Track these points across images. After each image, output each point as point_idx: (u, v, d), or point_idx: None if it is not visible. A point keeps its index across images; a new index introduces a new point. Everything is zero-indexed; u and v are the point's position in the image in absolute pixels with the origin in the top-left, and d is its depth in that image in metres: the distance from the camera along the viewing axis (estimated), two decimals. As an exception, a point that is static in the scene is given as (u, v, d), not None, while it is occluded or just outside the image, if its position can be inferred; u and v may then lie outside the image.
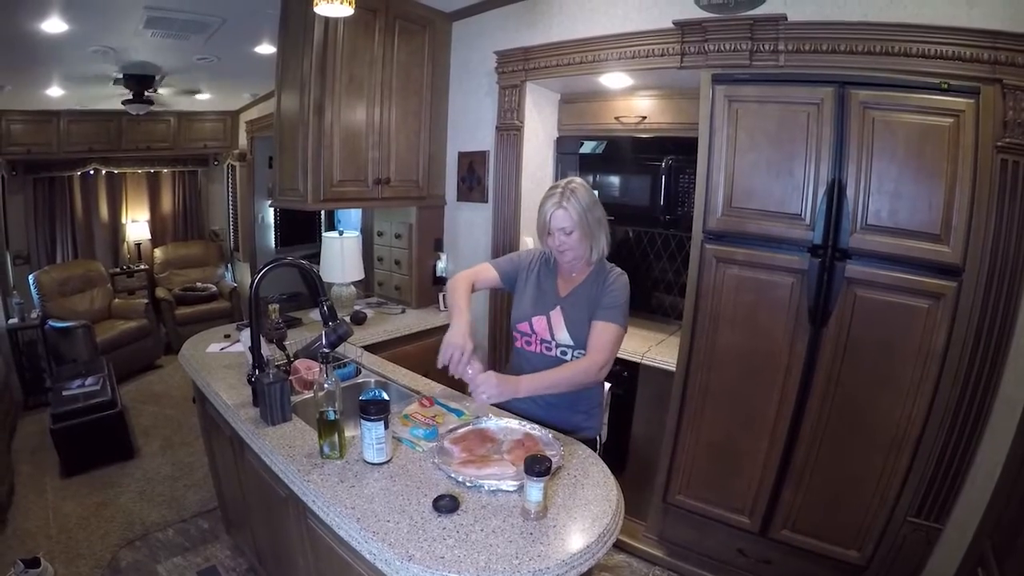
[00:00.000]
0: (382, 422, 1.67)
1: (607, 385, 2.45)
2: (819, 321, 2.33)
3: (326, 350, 1.91)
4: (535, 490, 1.45)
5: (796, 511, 2.52)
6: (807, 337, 2.37)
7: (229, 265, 7.67)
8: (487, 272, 2.23)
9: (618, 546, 2.98)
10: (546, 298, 2.11)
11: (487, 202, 3.59)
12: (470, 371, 1.89)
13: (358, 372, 2.56)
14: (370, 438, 1.69)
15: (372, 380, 2.52)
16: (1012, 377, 2.08)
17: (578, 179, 2.05)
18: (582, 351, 2.02)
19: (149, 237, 7.44)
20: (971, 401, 2.13)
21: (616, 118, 3.21)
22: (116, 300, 6.26)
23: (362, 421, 1.68)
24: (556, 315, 2.06)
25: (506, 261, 2.27)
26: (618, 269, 2.09)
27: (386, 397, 1.71)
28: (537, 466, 1.43)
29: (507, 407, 2.07)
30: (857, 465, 2.36)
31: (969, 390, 2.12)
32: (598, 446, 2.14)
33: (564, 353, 2.06)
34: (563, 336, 2.05)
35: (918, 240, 2.13)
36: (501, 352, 3.48)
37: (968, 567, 2.12)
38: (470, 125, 3.68)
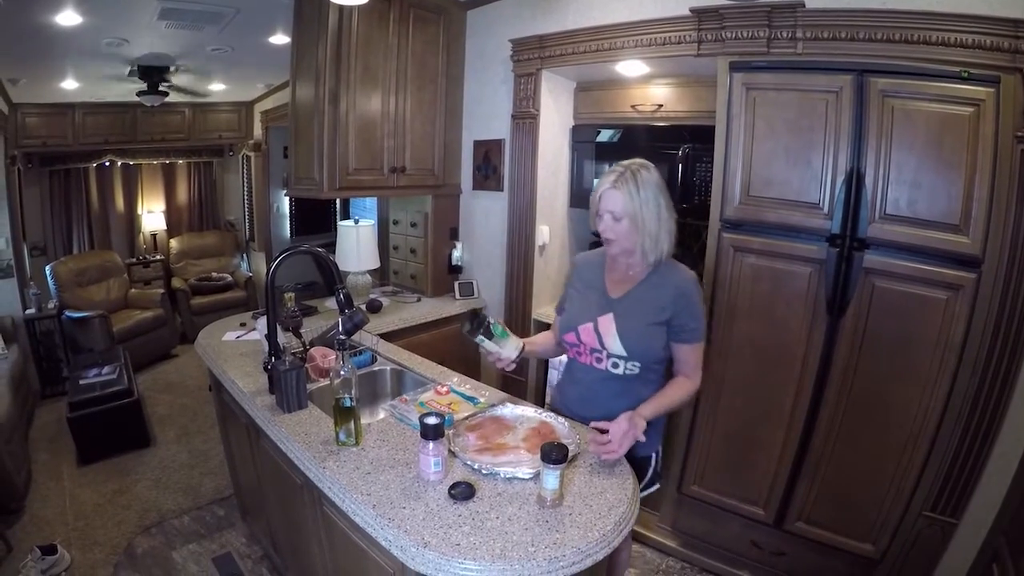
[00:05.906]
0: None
1: None
2: (837, 311, 2.31)
3: (342, 338, 1.91)
4: (551, 478, 1.45)
5: (811, 503, 2.51)
6: (824, 328, 2.34)
7: (244, 255, 7.73)
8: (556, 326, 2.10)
9: (632, 536, 2.98)
10: (592, 300, 1.90)
11: (503, 191, 3.58)
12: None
13: (374, 360, 2.57)
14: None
15: (388, 368, 2.54)
16: (1032, 370, 2.05)
17: (650, 165, 1.78)
18: (636, 363, 1.82)
19: (165, 227, 7.52)
20: (988, 395, 2.10)
21: (632, 106, 3.18)
22: (132, 290, 6.34)
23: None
24: (606, 321, 1.83)
25: (561, 298, 2.08)
26: (690, 272, 1.85)
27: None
28: (554, 453, 1.43)
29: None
30: (873, 458, 2.34)
31: (987, 383, 2.10)
32: (656, 460, 2.01)
33: (615, 365, 1.84)
34: (615, 346, 1.82)
35: (937, 230, 2.10)
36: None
37: (983, 562, 2.11)
38: (485, 114, 3.67)
